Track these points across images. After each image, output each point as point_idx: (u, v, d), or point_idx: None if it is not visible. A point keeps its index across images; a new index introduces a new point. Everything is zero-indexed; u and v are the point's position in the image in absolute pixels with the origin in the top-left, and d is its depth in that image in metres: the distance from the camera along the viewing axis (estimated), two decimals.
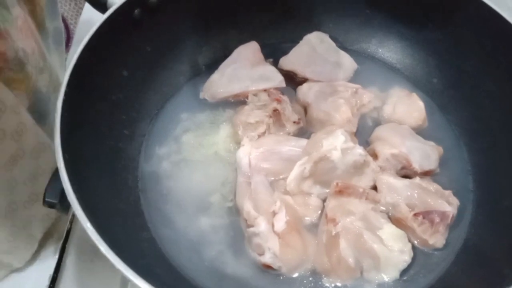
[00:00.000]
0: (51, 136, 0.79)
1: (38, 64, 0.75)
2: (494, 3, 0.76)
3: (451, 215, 0.70)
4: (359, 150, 0.73)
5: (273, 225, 0.66)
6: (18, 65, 0.70)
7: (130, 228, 0.68)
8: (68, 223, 0.81)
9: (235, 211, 0.72)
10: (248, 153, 0.73)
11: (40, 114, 0.77)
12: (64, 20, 1.42)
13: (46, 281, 0.76)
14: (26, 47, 0.72)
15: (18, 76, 0.71)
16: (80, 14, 1.21)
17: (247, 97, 0.82)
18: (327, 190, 0.71)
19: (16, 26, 0.70)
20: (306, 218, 0.70)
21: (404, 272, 0.67)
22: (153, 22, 0.78)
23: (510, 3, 1.16)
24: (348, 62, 0.89)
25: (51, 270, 0.77)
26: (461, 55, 0.83)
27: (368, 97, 0.84)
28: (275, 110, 0.76)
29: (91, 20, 1.12)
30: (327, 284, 0.66)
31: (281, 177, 0.73)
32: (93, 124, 0.69)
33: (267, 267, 0.66)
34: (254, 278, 0.66)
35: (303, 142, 0.75)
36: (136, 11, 0.75)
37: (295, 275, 0.67)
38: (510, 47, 0.74)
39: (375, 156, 0.75)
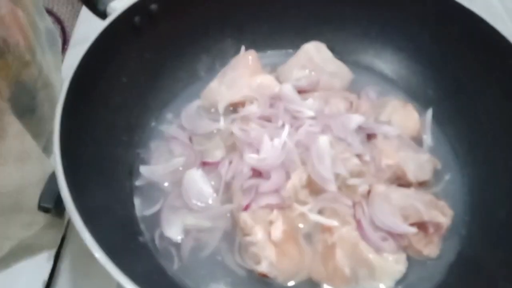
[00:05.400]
0: (36, 133, 0.79)
1: (22, 57, 0.75)
2: (490, 17, 0.77)
3: (445, 226, 0.70)
4: (355, 160, 0.74)
5: (269, 234, 0.66)
6: None
7: (127, 236, 0.68)
8: (63, 228, 0.81)
9: (232, 219, 0.72)
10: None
11: (23, 107, 0.77)
12: (60, 23, 1.42)
13: (40, 287, 0.76)
14: (9, 37, 0.72)
15: None
16: (77, 16, 1.21)
17: (243, 105, 0.83)
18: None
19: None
20: (303, 227, 0.71)
21: (399, 282, 0.67)
22: (153, 30, 0.79)
23: (506, 17, 1.18)
24: (344, 72, 0.90)
25: (45, 276, 0.77)
26: (457, 68, 0.84)
27: (363, 107, 0.85)
28: None
29: (88, 23, 1.12)
30: None
31: None
32: (92, 130, 0.69)
33: (263, 276, 0.66)
34: (251, 286, 0.67)
35: None
36: (136, 18, 0.76)
37: (291, 283, 0.67)
38: (505, 61, 0.75)
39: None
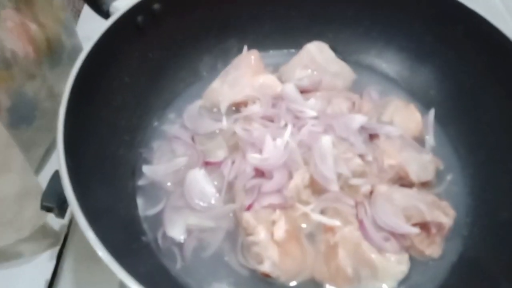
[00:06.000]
0: (31, 143, 0.80)
1: (28, 69, 0.76)
2: (492, 17, 0.77)
3: (447, 226, 0.71)
4: (358, 160, 0.74)
5: (272, 234, 0.66)
6: (3, 63, 0.71)
7: (130, 235, 0.68)
8: (66, 228, 0.81)
9: (234, 219, 0.72)
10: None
11: (22, 117, 0.78)
12: None
13: (43, 286, 0.76)
14: (17, 49, 0.73)
15: (2, 74, 0.71)
16: (78, 16, 1.21)
17: (246, 105, 0.83)
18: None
19: (5, 27, 0.71)
20: (305, 227, 0.71)
21: (401, 282, 0.67)
22: (156, 29, 0.79)
23: (508, 17, 1.18)
24: (346, 72, 0.90)
25: (48, 275, 0.77)
26: (459, 68, 0.84)
27: (366, 107, 0.85)
28: None
29: (89, 22, 1.12)
30: None
31: None
32: (95, 130, 0.69)
33: (266, 276, 0.66)
34: (254, 285, 0.67)
35: None
36: (139, 18, 0.76)
37: (294, 283, 0.67)
38: (508, 61, 0.75)
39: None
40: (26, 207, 0.69)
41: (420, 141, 0.82)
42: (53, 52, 0.82)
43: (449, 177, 0.79)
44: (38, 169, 0.87)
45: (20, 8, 0.74)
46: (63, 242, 0.80)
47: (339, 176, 0.71)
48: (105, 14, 0.77)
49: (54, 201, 0.61)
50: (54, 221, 0.79)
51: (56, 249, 0.80)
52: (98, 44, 0.68)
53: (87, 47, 0.67)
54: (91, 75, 0.67)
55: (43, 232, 0.77)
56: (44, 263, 0.79)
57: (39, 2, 0.79)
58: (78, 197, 0.55)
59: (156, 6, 0.78)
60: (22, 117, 0.78)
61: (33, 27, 0.76)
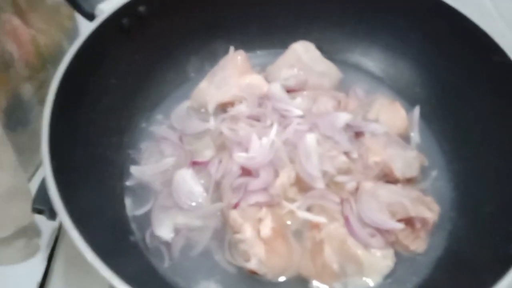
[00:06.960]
0: (27, 147, 0.80)
1: (23, 72, 0.76)
2: (480, 16, 0.78)
3: (431, 221, 0.71)
4: (342, 158, 0.75)
5: (258, 232, 0.67)
6: (3, 65, 0.72)
7: (118, 235, 0.69)
8: (56, 229, 0.82)
9: (222, 217, 0.73)
10: None
11: (17, 120, 0.78)
12: None
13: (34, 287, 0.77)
14: (14, 52, 0.73)
15: (1, 77, 0.72)
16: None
17: (233, 105, 0.84)
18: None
19: (4, 29, 0.72)
20: (291, 225, 0.72)
21: (387, 277, 0.68)
22: (142, 32, 0.80)
23: (496, 15, 1.19)
24: (333, 71, 0.91)
25: (39, 277, 0.77)
26: (444, 66, 0.85)
27: (351, 105, 0.86)
28: None
29: (80, 26, 1.12)
30: None
31: None
32: (82, 132, 0.69)
33: (253, 273, 0.67)
34: (241, 283, 0.68)
35: None
36: (124, 20, 0.76)
37: (281, 280, 0.68)
38: (490, 58, 0.76)
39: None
40: (12, 206, 0.69)
41: (405, 138, 0.83)
42: (53, 58, 0.83)
43: (433, 173, 0.80)
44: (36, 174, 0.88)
45: (18, 13, 0.75)
46: (54, 244, 0.81)
47: (325, 173, 0.72)
48: (90, 16, 0.77)
49: (45, 203, 0.61)
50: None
51: (47, 250, 0.80)
52: (84, 46, 0.69)
53: (72, 49, 0.68)
54: (77, 77, 0.68)
55: (26, 237, 0.77)
56: (35, 264, 0.79)
57: (43, 10, 0.80)
58: (64, 198, 0.56)
59: (141, 8, 0.79)
60: (17, 119, 0.79)
61: (30, 32, 0.76)
